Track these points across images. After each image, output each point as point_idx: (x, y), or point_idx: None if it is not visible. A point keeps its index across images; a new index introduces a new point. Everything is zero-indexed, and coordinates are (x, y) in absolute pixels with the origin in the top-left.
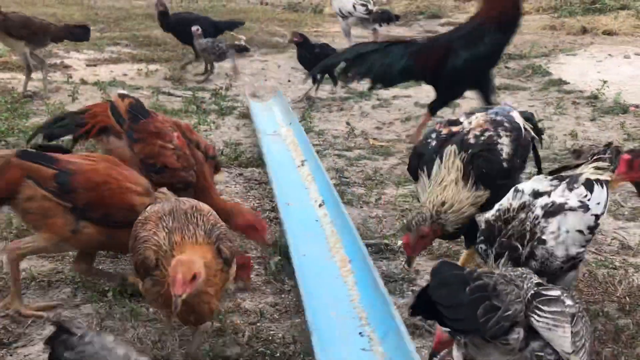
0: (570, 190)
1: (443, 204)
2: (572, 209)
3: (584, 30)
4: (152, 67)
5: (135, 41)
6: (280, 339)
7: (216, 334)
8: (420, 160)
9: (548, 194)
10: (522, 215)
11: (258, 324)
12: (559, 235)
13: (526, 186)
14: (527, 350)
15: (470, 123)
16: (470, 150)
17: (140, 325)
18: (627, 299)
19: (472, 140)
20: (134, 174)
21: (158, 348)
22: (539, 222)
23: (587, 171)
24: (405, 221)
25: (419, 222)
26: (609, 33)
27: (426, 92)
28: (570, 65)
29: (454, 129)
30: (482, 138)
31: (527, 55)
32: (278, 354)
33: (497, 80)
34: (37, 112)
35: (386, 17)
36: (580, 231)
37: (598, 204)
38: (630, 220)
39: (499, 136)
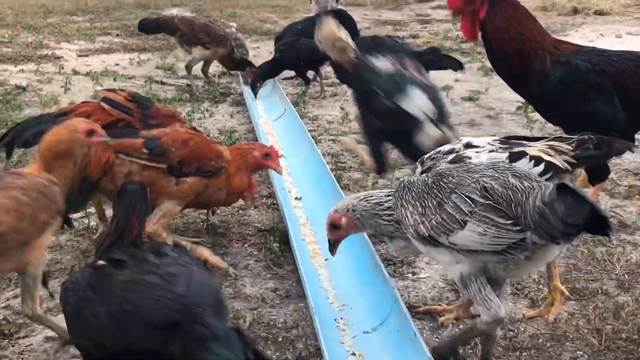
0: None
1: None
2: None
3: (576, 11)
4: (143, 56)
5: (126, 31)
6: (282, 323)
7: None
8: None
9: (479, 150)
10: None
11: (259, 309)
12: None
13: (469, 139)
14: None
15: None
16: None
17: None
18: (626, 276)
19: None
20: None
21: None
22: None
23: (540, 145)
24: None
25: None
26: (600, 13)
27: None
28: None
29: None
30: None
31: None
32: (280, 339)
33: (489, 62)
34: (29, 104)
35: None
36: None
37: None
38: (626, 198)
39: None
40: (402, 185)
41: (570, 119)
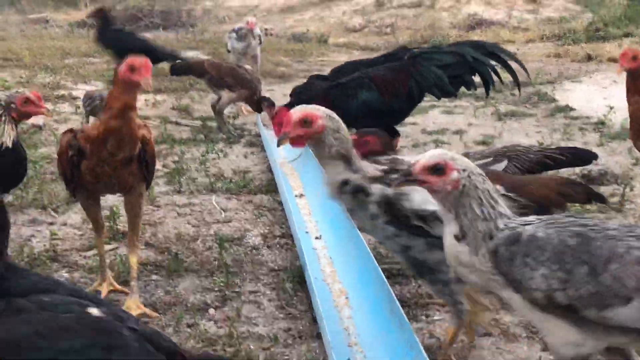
0: None
1: None
2: None
3: (589, 58)
4: (159, 97)
5: None
6: None
7: None
8: None
9: None
10: None
11: (272, 349)
12: None
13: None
14: None
15: None
16: None
17: None
18: None
19: None
20: None
21: None
22: None
23: None
24: None
25: None
26: (613, 60)
27: (432, 119)
28: (575, 92)
29: None
30: None
31: (533, 82)
32: None
33: (503, 107)
34: (45, 143)
35: None
36: None
37: None
38: None
39: None
40: (527, 239)
41: (356, 110)
